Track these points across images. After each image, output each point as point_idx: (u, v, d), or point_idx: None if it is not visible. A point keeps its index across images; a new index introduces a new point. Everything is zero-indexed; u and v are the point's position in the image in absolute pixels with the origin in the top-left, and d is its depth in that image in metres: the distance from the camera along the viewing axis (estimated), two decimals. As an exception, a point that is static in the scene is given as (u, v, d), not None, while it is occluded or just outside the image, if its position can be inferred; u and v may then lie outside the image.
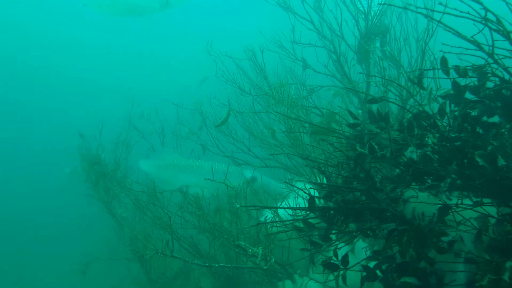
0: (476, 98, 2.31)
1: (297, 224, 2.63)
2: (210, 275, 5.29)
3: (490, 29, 2.27)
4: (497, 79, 2.30)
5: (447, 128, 2.32)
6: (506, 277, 1.61)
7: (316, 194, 2.92)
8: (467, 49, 2.24)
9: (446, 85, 3.28)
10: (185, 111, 6.41)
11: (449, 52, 2.28)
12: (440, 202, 2.14)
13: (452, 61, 2.50)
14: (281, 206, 4.74)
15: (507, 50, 2.22)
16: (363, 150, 2.22)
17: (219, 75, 5.23)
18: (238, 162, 5.57)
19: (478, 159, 1.89)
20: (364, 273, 2.47)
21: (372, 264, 2.53)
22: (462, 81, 2.39)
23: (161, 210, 5.67)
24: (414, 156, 2.40)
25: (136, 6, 6.11)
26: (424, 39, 3.80)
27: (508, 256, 1.73)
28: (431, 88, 2.37)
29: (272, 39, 5.02)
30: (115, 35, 21.64)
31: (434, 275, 2.16)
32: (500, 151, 2.15)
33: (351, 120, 4.09)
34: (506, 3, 2.17)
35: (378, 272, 2.41)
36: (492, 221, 2.05)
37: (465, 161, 2.25)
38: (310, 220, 2.55)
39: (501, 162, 2.00)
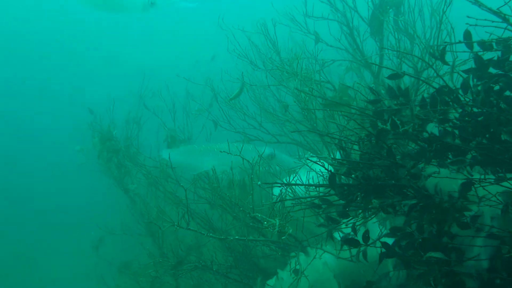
0: (500, 72, 2.27)
1: (314, 200, 2.63)
2: (222, 250, 5.34)
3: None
4: (522, 52, 2.25)
5: (469, 103, 2.28)
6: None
7: (331, 169, 2.92)
8: (493, 21, 2.18)
9: (463, 56, 3.23)
10: (196, 87, 6.35)
11: (475, 25, 2.22)
12: (464, 178, 2.12)
13: (473, 34, 2.45)
14: (296, 181, 4.75)
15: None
16: (384, 126, 2.20)
17: (231, 49, 5.16)
18: (250, 138, 5.55)
19: (506, 136, 1.86)
20: (383, 250, 2.48)
21: (389, 240, 2.54)
22: (485, 55, 2.34)
23: (173, 185, 5.71)
24: (435, 132, 2.37)
25: (118, 4, 6.02)
26: (442, 7, 3.70)
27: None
28: (453, 62, 2.32)
29: (284, 13, 4.94)
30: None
31: (454, 250, 2.16)
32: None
33: (365, 95, 4.05)
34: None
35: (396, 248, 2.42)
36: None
37: (487, 135, 2.22)
38: (327, 197, 2.55)
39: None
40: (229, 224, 5.12)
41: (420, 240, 2.31)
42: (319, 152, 5.44)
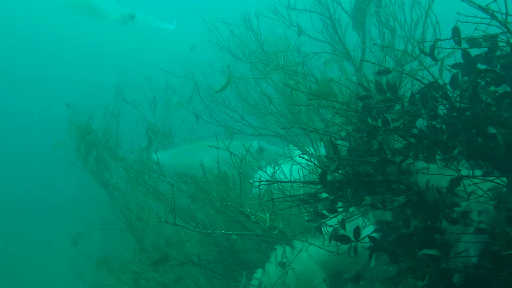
0: (487, 67, 2.29)
1: (304, 197, 2.63)
2: (206, 244, 5.32)
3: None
4: (508, 48, 2.28)
5: (457, 98, 2.30)
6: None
7: (316, 162, 2.90)
8: (482, 18, 2.20)
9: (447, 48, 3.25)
10: (176, 80, 6.26)
11: (466, 22, 2.23)
12: (452, 174, 2.14)
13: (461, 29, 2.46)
14: (279, 174, 4.75)
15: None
16: (375, 123, 2.20)
17: (213, 42, 5.10)
18: (232, 131, 5.51)
19: (499, 138, 1.88)
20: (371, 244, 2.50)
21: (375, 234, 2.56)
22: (473, 51, 2.36)
23: (155, 179, 5.64)
24: (422, 127, 2.39)
25: (95, 11, 5.90)
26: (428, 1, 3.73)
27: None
28: (443, 58, 2.33)
29: (267, 6, 4.90)
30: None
31: (444, 245, 2.18)
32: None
33: (348, 87, 4.06)
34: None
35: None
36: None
37: (474, 130, 2.25)
38: (317, 192, 2.55)
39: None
40: (212, 218, 5.10)
41: (407, 234, 2.34)
42: (301, 144, 5.45)
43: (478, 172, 2.19)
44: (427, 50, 2.51)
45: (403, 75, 4.18)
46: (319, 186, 2.40)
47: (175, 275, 5.43)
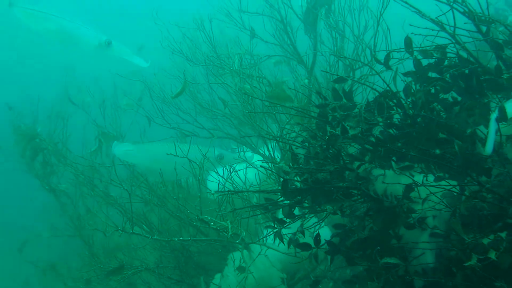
0: (437, 76, 2.40)
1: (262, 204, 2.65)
2: (155, 250, 5.25)
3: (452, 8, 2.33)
4: (456, 59, 2.40)
5: (410, 106, 2.40)
6: (493, 255, 1.71)
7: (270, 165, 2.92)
8: (433, 29, 2.30)
9: (398, 55, 3.38)
10: (125, 82, 6.12)
11: (420, 34, 2.33)
12: (407, 179, 2.23)
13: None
14: (233, 176, 4.74)
15: (469, 31, 2.31)
16: (333, 131, 2.25)
17: (165, 44, 5.02)
18: (185, 134, 5.45)
19: (456, 147, 1.97)
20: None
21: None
22: (425, 61, 2.47)
23: (107, 185, 5.49)
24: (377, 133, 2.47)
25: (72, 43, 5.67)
26: (379, 10, 3.86)
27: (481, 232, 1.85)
28: (397, 68, 2.41)
29: (219, 8, 4.88)
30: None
31: (401, 250, 2.27)
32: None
33: (300, 91, 4.11)
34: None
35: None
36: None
37: (426, 138, 2.34)
38: (272, 196, 2.58)
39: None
40: (165, 221, 5.03)
41: (363, 237, 2.41)
42: (254, 146, 5.48)
43: (431, 177, 2.29)
44: (378, 56, 2.60)
45: (355, 78, 4.30)
46: (279, 194, 2.42)
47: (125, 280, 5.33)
